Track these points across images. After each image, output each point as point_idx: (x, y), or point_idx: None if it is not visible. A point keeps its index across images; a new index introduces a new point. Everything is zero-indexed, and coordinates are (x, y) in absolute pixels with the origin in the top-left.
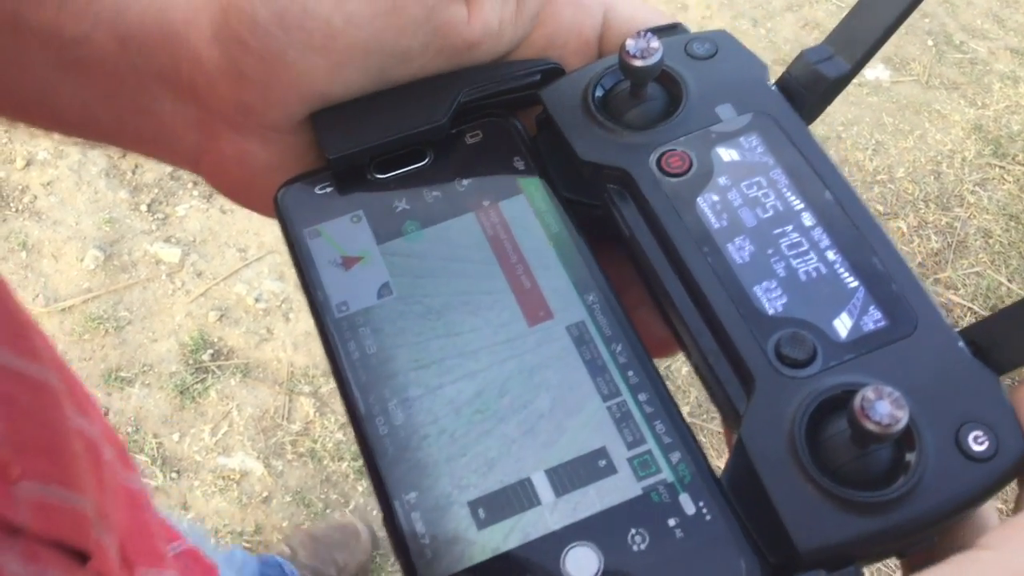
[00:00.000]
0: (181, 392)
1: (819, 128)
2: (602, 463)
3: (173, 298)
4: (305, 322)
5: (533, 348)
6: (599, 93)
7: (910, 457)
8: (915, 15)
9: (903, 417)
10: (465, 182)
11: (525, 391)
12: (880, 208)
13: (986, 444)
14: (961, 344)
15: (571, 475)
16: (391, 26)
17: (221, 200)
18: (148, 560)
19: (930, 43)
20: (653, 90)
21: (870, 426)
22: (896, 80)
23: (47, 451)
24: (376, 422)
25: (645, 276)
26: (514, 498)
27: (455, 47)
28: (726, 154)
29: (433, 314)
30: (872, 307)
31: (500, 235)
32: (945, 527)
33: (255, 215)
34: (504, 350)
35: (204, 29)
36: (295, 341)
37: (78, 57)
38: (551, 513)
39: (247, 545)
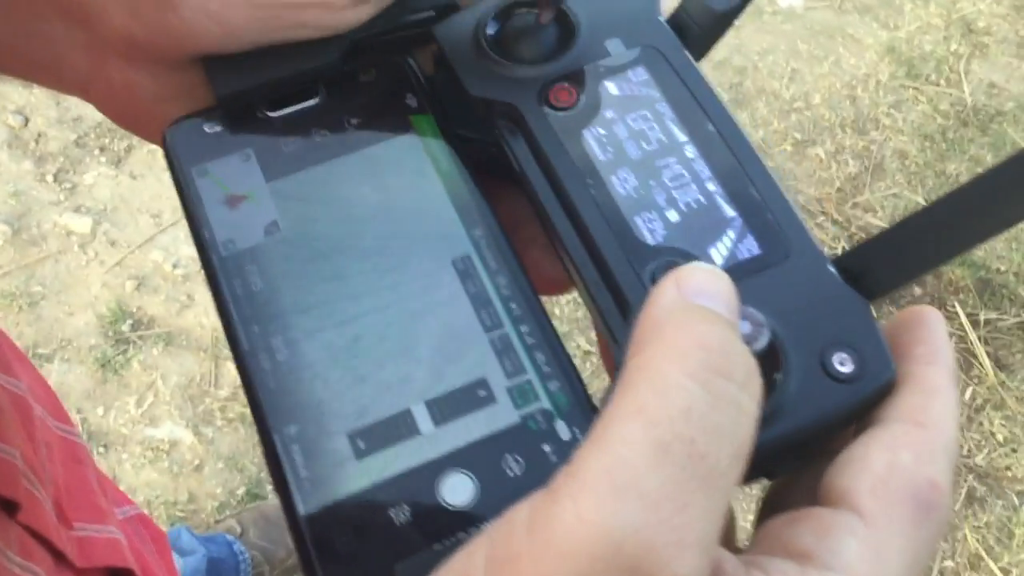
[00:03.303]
0: (102, 365)
1: (735, 58)
2: (482, 393)
3: (87, 269)
4: None
5: (418, 283)
6: (491, 30)
7: (776, 376)
8: None
9: (761, 335)
10: (356, 120)
11: (409, 326)
12: (798, 136)
13: (852, 366)
14: (832, 270)
15: (451, 405)
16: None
17: (131, 166)
18: (87, 515)
19: None
20: (544, 25)
21: None
22: (809, 7)
23: None
24: (259, 357)
25: (536, 211)
26: (393, 429)
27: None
28: (613, 88)
29: (320, 252)
30: (748, 236)
31: (389, 172)
32: (811, 450)
33: (166, 178)
34: (389, 287)
35: None
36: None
37: None
38: (429, 442)
39: (181, 514)
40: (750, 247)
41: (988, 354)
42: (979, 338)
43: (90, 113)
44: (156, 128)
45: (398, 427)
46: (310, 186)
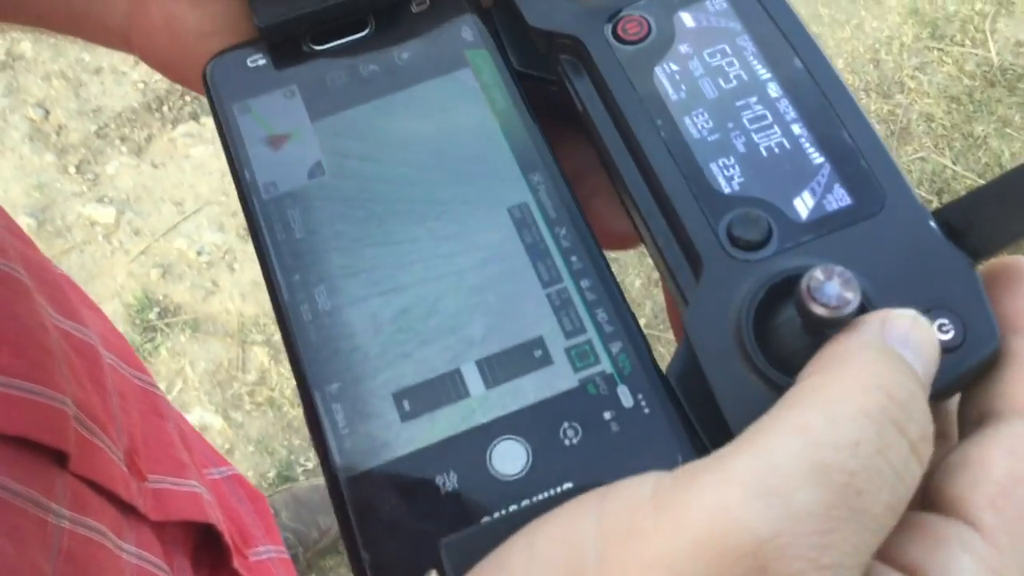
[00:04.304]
0: None
1: None
2: (538, 353)
3: (112, 259)
4: (251, 271)
5: (471, 233)
6: None
7: None
8: None
9: (853, 299)
10: (408, 54)
11: (460, 278)
12: None
13: (952, 332)
14: (932, 224)
15: (504, 366)
16: None
17: (152, 155)
18: (164, 468)
19: None
20: None
21: (817, 309)
22: None
23: (10, 344)
24: (300, 308)
25: (600, 156)
26: (441, 390)
27: None
28: (689, 19)
29: (366, 197)
30: (837, 185)
31: (442, 112)
32: None
33: (188, 167)
34: (439, 236)
35: None
36: (242, 291)
37: None
38: (480, 405)
39: None
40: (840, 197)
41: None
42: None
43: (110, 104)
44: (200, 71)
45: (447, 388)
46: (357, 126)
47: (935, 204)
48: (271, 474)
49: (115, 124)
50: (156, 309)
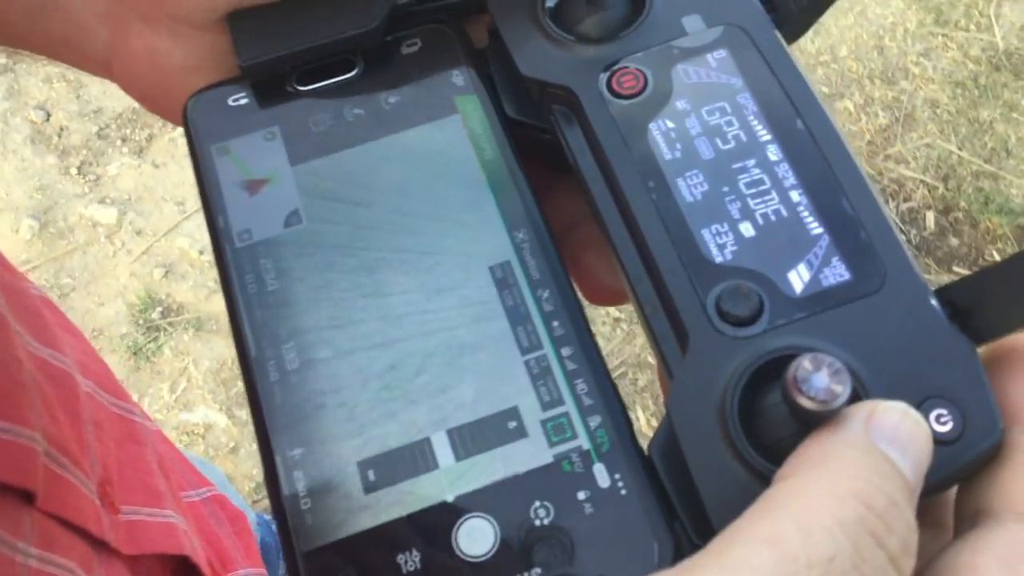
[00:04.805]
0: (135, 353)
1: None
2: (512, 424)
3: (115, 259)
4: None
5: (449, 291)
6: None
7: None
8: None
9: (843, 392)
10: (395, 98)
11: (434, 341)
12: (825, 90)
13: (950, 424)
14: (934, 303)
15: (476, 437)
16: None
17: (153, 155)
18: (139, 498)
19: None
20: None
21: (804, 401)
22: None
23: None
24: (267, 366)
25: (591, 210)
26: (409, 460)
27: None
28: (688, 73)
29: (342, 250)
30: (835, 258)
31: (427, 161)
32: None
33: (188, 166)
34: (415, 294)
35: None
36: None
37: None
38: (448, 479)
39: None
40: (838, 272)
41: None
42: None
43: (111, 104)
44: (181, 105)
45: (414, 458)
46: (338, 173)
47: (941, 190)
48: None
49: (116, 125)
50: (159, 308)
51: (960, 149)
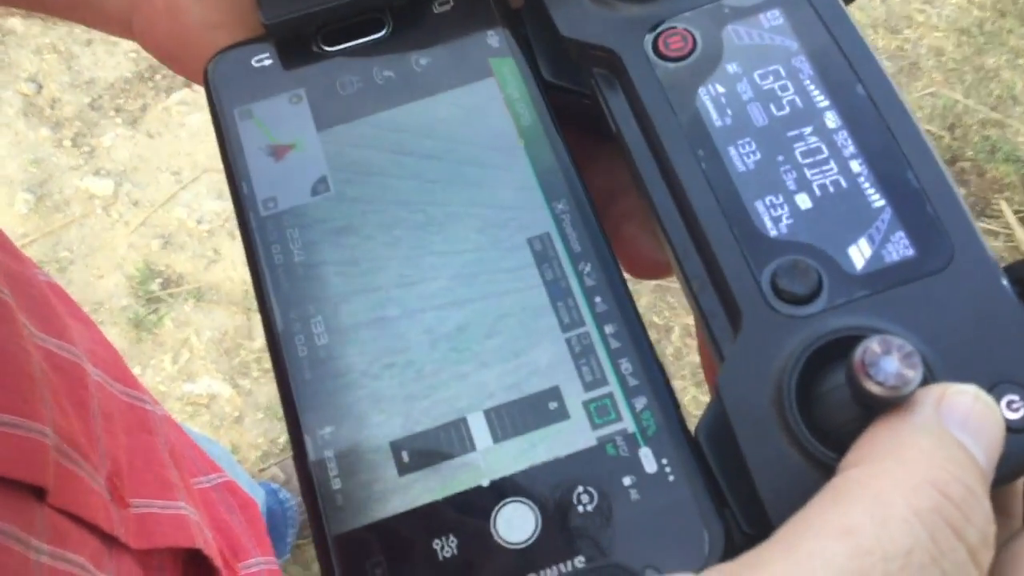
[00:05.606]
0: (136, 325)
1: None
2: (553, 406)
3: (113, 231)
4: None
5: (486, 265)
6: None
7: None
8: None
9: (914, 378)
10: (427, 60)
11: (472, 317)
12: None
13: (1022, 410)
14: (1005, 283)
15: (514, 418)
16: None
17: (147, 125)
18: (149, 491)
19: None
20: None
21: (872, 387)
22: None
23: None
24: (295, 341)
25: (634, 181)
26: (444, 442)
27: None
28: (740, 34)
29: (372, 219)
30: (899, 233)
31: (461, 126)
32: None
33: (184, 135)
34: (450, 268)
35: None
36: (245, 259)
37: None
38: (485, 462)
39: None
40: (902, 247)
41: None
42: None
43: (103, 75)
44: (204, 65)
45: (450, 440)
46: (366, 139)
47: (947, 139)
48: (282, 439)
49: (109, 95)
50: (159, 280)
51: (966, 97)
